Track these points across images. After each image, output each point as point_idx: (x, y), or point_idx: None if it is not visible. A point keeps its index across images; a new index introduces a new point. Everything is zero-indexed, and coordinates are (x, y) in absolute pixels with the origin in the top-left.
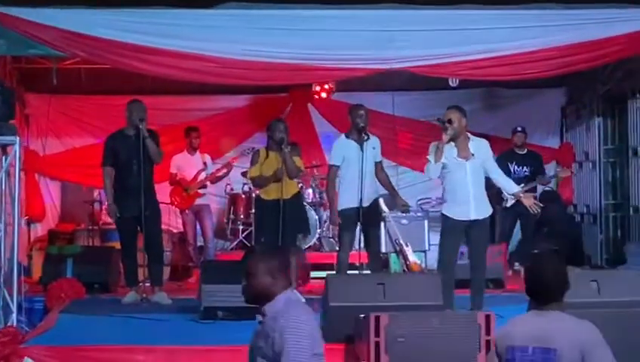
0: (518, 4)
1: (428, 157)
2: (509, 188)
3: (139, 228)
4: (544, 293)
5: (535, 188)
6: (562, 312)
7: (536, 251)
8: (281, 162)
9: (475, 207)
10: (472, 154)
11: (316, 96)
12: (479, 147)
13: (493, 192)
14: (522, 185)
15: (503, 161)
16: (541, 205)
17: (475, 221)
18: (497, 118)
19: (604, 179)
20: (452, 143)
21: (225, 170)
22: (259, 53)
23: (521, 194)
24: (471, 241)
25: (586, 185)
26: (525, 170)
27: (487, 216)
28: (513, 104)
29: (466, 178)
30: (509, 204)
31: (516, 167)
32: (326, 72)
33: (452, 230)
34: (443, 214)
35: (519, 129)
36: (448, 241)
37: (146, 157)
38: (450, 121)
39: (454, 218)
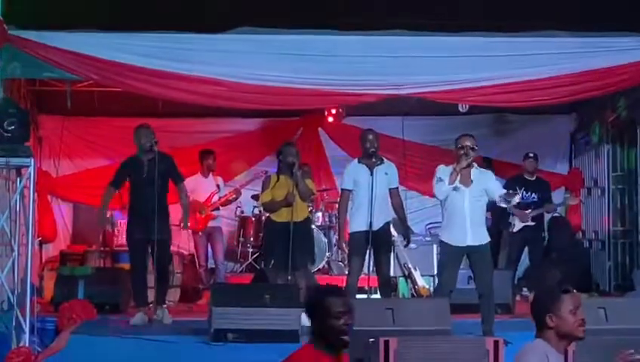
0: (528, 32)
1: (439, 176)
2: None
3: (149, 251)
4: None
5: (542, 214)
6: (540, 339)
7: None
8: (292, 186)
9: (471, 234)
10: (472, 182)
11: (328, 120)
12: (480, 176)
13: (501, 217)
14: (529, 210)
15: (511, 185)
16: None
17: (472, 247)
18: (506, 144)
19: (612, 205)
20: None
21: (234, 195)
22: (271, 78)
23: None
24: (474, 268)
25: (594, 211)
26: (533, 196)
27: (485, 243)
28: (522, 130)
29: (463, 204)
30: (515, 229)
31: (525, 193)
32: (338, 97)
33: (449, 256)
34: (441, 241)
35: (531, 155)
36: (445, 268)
37: (159, 181)
38: (473, 148)
39: (451, 244)
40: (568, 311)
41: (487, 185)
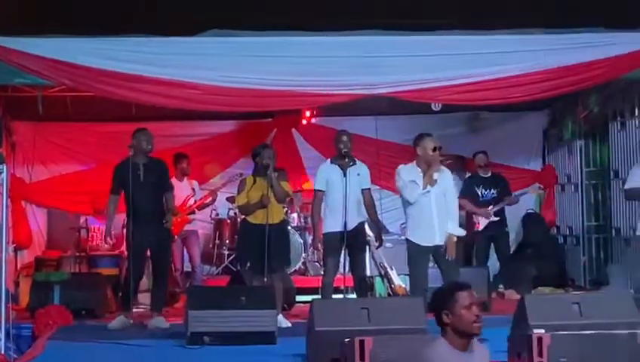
0: (501, 30)
1: (411, 179)
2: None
3: (149, 255)
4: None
5: (503, 209)
6: (439, 337)
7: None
8: (267, 187)
9: (439, 233)
10: (436, 181)
11: (303, 122)
12: (442, 176)
13: (465, 216)
14: (491, 206)
15: (469, 185)
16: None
17: (439, 246)
18: (480, 142)
19: (586, 201)
20: (420, 170)
21: (210, 198)
22: (243, 80)
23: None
24: (440, 266)
25: (568, 207)
26: (492, 193)
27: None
28: (495, 127)
29: (430, 204)
30: (481, 228)
31: (483, 190)
32: (310, 98)
33: (419, 256)
34: (408, 239)
35: (479, 151)
36: (416, 268)
37: (157, 185)
38: (440, 148)
39: (420, 243)
40: (463, 308)
41: (446, 193)
